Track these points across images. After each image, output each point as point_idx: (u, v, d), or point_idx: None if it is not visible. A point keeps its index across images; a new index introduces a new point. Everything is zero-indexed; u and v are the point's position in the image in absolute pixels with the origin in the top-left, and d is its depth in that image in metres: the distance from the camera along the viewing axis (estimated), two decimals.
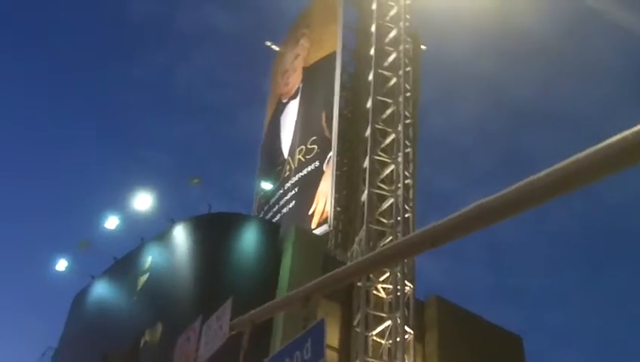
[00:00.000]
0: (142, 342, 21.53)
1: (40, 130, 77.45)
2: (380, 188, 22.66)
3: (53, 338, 28.31)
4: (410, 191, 22.86)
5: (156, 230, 24.95)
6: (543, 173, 5.21)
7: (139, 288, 23.76)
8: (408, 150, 23.51)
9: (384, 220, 22.07)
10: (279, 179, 27.34)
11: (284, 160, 27.88)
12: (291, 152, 27.63)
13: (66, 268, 27.22)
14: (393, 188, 22.49)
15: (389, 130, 23.83)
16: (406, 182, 22.63)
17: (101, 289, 26.40)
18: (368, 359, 18.93)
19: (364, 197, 22.35)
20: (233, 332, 8.64)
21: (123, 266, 25.57)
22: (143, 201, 25.01)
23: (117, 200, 27.55)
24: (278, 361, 7.41)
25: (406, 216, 21.93)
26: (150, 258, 24.23)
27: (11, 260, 73.67)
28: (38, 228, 71.95)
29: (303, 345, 7.13)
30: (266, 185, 27.60)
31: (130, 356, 21.35)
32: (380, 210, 22.27)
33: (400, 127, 23.55)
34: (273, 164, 28.76)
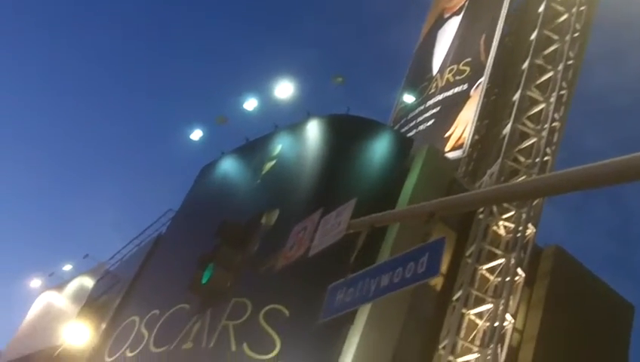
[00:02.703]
0: (258, 222, 22.03)
1: (203, 10, 79.39)
2: (524, 125, 21.72)
3: (175, 202, 29.63)
4: (555, 135, 21.74)
5: (291, 120, 25.17)
6: None
7: (264, 172, 24.19)
8: (563, 92, 22.27)
9: (521, 158, 21.24)
10: (423, 95, 26.77)
11: (432, 76, 27.18)
12: (441, 70, 26.87)
13: (200, 138, 28.10)
14: (539, 127, 21.49)
15: (549, 67, 22.61)
16: (553, 124, 21.53)
17: (228, 166, 27.14)
18: (473, 291, 18.67)
19: (507, 130, 21.50)
20: (350, 231, 8.56)
21: (253, 148, 26.05)
22: (284, 90, 25.16)
23: (260, 85, 27.84)
24: (392, 266, 7.26)
25: (545, 159, 20.97)
26: (280, 146, 24.53)
27: (152, 126, 77.53)
28: (181, 99, 74.94)
29: (419, 257, 6.91)
30: (409, 98, 27.14)
31: (245, 230, 21.90)
32: (519, 147, 21.42)
33: (560, 67, 22.28)
34: (420, 78, 28.13)
